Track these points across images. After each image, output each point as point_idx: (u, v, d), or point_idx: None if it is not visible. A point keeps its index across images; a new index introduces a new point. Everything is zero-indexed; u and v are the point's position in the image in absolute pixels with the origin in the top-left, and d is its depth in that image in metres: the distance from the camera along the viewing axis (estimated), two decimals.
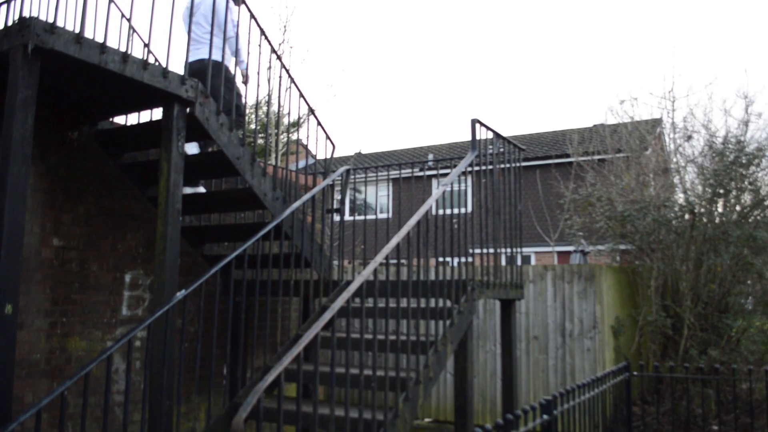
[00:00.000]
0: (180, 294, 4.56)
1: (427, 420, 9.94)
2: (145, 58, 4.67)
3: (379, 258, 4.17)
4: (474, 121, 5.74)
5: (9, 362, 3.86)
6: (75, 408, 5.36)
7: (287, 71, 6.14)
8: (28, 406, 3.87)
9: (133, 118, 5.90)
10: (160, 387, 4.60)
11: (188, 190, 5.80)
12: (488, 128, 5.91)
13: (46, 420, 5.10)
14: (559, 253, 18.80)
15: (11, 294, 3.87)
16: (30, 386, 5.14)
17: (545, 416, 4.34)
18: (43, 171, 5.35)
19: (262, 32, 5.75)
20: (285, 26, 19.30)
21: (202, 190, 6.16)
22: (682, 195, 10.59)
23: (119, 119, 5.90)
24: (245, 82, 6.44)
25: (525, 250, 6.79)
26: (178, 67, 5.74)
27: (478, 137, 5.75)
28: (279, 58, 6.08)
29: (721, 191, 9.34)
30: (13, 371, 3.90)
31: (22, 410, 3.66)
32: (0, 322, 3.81)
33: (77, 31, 4.21)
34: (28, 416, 3.61)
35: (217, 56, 5.71)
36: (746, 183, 9.59)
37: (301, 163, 18.16)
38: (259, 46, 5.75)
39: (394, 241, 4.35)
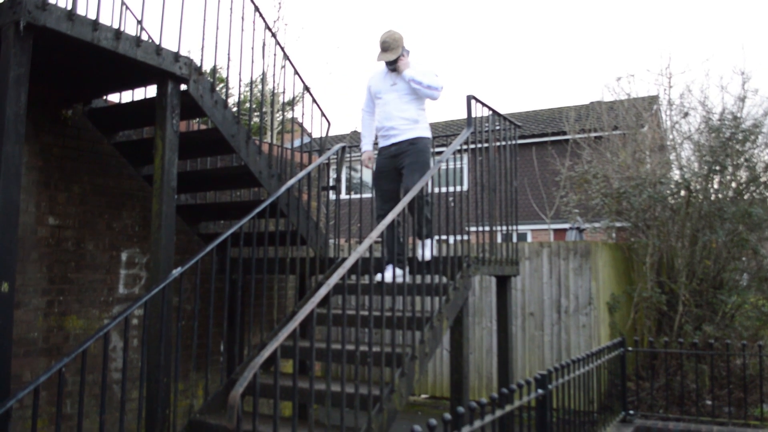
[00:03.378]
0: (176, 272, 4.57)
1: (423, 396, 10.03)
2: (138, 35, 4.64)
3: (374, 234, 4.18)
4: (469, 98, 5.72)
5: (7, 340, 3.87)
6: (73, 386, 5.39)
7: (282, 48, 6.11)
8: (26, 384, 3.89)
9: (127, 96, 5.87)
10: (158, 364, 4.63)
11: None
12: (484, 105, 5.89)
13: (44, 398, 5.14)
14: (555, 230, 18.83)
15: (7, 272, 3.87)
16: (28, 364, 5.17)
17: (540, 390, 4.39)
18: (37, 150, 5.33)
19: (257, 9, 5.70)
20: (280, 3, 19.16)
21: None
22: (678, 172, 10.60)
23: (113, 97, 5.87)
24: None
25: (521, 227, 6.78)
26: (171, 44, 5.70)
27: (473, 114, 5.73)
28: (274, 35, 6.04)
29: (717, 168, 9.36)
30: (11, 349, 3.92)
31: (21, 388, 3.68)
32: None
33: (69, 7, 4.17)
34: (26, 393, 3.62)
35: None
36: (742, 159, 9.61)
37: (297, 143, 18.10)
38: (254, 23, 5.71)
39: (389, 217, 4.36)
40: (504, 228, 6.33)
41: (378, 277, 5.41)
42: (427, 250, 5.42)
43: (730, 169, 9.55)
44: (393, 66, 5.72)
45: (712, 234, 9.05)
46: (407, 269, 5.07)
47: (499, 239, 6.19)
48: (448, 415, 3.01)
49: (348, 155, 7.34)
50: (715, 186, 9.71)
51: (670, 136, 11.41)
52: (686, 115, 10.98)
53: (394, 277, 4.55)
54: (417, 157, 5.62)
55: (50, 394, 5.20)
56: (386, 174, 5.79)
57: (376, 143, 6.12)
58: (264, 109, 6.30)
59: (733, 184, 9.74)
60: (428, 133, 5.80)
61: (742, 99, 10.14)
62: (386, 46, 5.66)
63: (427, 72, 5.63)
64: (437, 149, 7.02)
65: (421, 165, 5.61)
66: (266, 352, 3.27)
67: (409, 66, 5.67)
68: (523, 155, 18.87)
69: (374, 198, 5.91)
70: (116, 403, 5.70)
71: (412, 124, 5.68)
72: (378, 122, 5.87)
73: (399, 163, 5.68)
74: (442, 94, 5.67)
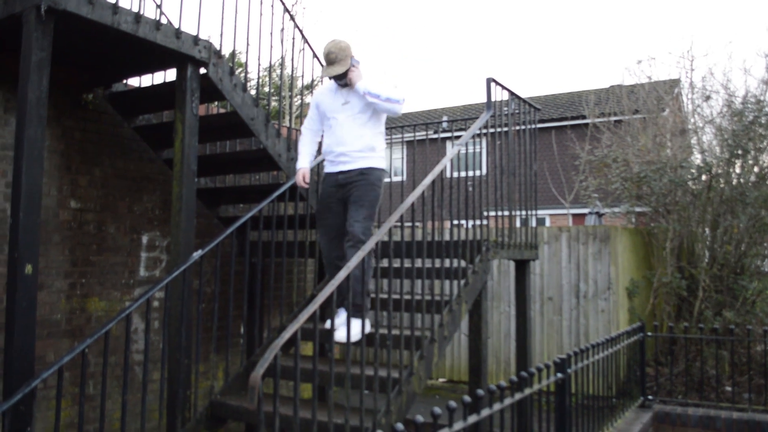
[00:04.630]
0: (196, 254, 4.60)
1: (441, 380, 10.06)
2: (157, 18, 4.65)
3: (394, 218, 4.18)
4: (489, 80, 5.67)
5: (31, 321, 3.93)
6: (96, 367, 5.46)
7: (301, 32, 6.09)
8: (50, 364, 3.95)
9: (146, 80, 5.89)
10: (179, 346, 4.67)
11: None
12: (504, 87, 5.84)
13: (68, 378, 5.21)
14: (574, 215, 18.73)
15: (31, 254, 3.92)
16: (51, 346, 5.24)
17: (559, 374, 4.38)
18: (59, 134, 5.37)
19: None
20: None
21: None
22: (699, 156, 10.48)
23: (133, 81, 5.89)
24: None
25: (540, 212, 6.79)
26: (191, 28, 5.71)
27: (493, 97, 5.69)
28: (292, 18, 6.02)
29: (740, 152, 9.23)
30: (35, 330, 3.98)
31: (45, 369, 3.74)
32: (21, 282, 3.87)
33: None
34: (50, 373, 3.68)
35: None
36: (765, 143, 9.47)
37: None
38: (272, 6, 5.70)
39: (409, 200, 4.35)
40: (523, 212, 6.30)
41: (327, 324, 4.61)
42: (354, 327, 4.39)
43: (752, 153, 9.42)
44: (343, 81, 4.88)
45: (733, 219, 8.95)
46: (366, 321, 4.60)
47: (518, 223, 6.16)
48: (467, 398, 3.02)
49: None
50: (737, 170, 9.59)
51: (692, 120, 11.27)
52: (708, 98, 10.84)
53: (413, 262, 4.53)
54: (366, 191, 4.80)
55: (73, 375, 5.27)
56: (331, 206, 4.96)
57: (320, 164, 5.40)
58: (282, 93, 6.29)
59: (756, 169, 9.61)
60: (383, 164, 4.98)
61: (766, 82, 9.99)
62: (332, 58, 4.81)
63: (383, 83, 4.83)
64: (456, 133, 6.99)
65: (369, 202, 4.80)
66: (287, 334, 3.29)
67: (362, 78, 4.85)
68: (543, 139, 18.74)
69: (317, 234, 5.17)
70: (138, 384, 5.77)
71: (367, 152, 4.87)
72: (326, 146, 5.02)
73: (345, 194, 4.87)
74: (403, 108, 4.87)
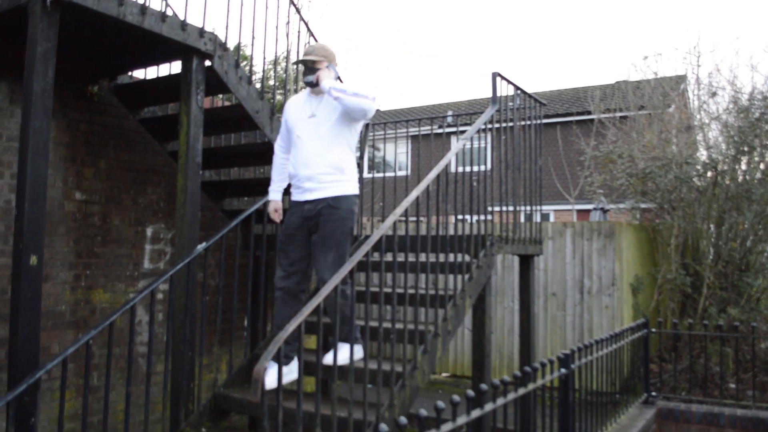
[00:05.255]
0: (201, 247, 4.60)
1: (444, 375, 10.07)
2: (163, 10, 4.64)
3: (399, 211, 4.17)
4: (494, 75, 5.65)
5: (36, 312, 3.94)
6: (100, 359, 5.47)
7: (306, 24, 6.07)
8: (54, 356, 3.97)
9: (152, 72, 5.89)
10: (183, 338, 4.68)
11: None
12: (509, 82, 5.82)
13: (72, 370, 5.23)
14: (579, 211, 18.70)
15: (36, 246, 3.93)
16: (56, 337, 5.26)
17: (563, 370, 4.37)
18: (64, 125, 5.38)
19: None
20: None
21: None
22: (705, 152, 10.44)
23: (138, 73, 5.89)
24: None
25: (544, 208, 6.79)
26: (196, 20, 5.70)
27: (498, 92, 5.67)
28: (298, 11, 6.01)
29: (746, 149, 9.19)
30: (39, 321, 3.99)
31: (49, 360, 3.75)
32: (26, 273, 3.87)
33: None
34: (54, 364, 3.69)
35: None
36: None
37: None
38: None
39: (414, 194, 4.34)
40: (527, 207, 6.29)
41: (328, 359, 4.12)
42: (341, 353, 4.05)
43: (758, 150, 9.38)
44: (311, 77, 4.35)
45: (739, 216, 8.92)
46: (357, 347, 4.21)
47: (522, 219, 6.15)
48: (471, 392, 3.01)
49: (371, 133, 7.31)
50: (743, 167, 9.55)
51: (698, 116, 11.23)
52: (714, 94, 10.79)
53: (417, 256, 4.51)
54: (335, 227, 4.24)
55: (77, 367, 5.29)
56: (295, 237, 4.41)
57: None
58: (288, 87, 6.29)
59: (762, 166, 9.57)
60: (355, 188, 4.39)
61: None
62: (309, 50, 4.43)
63: (355, 84, 4.29)
64: (461, 128, 6.96)
65: (338, 241, 4.25)
66: (290, 327, 3.29)
67: (330, 77, 4.36)
68: (548, 135, 18.70)
69: (276, 266, 4.60)
70: (142, 376, 5.78)
71: (336, 173, 4.29)
72: (291, 168, 4.44)
73: (312, 228, 4.35)
74: (374, 107, 4.27)
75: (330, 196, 4.26)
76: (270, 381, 3.91)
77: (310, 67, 4.36)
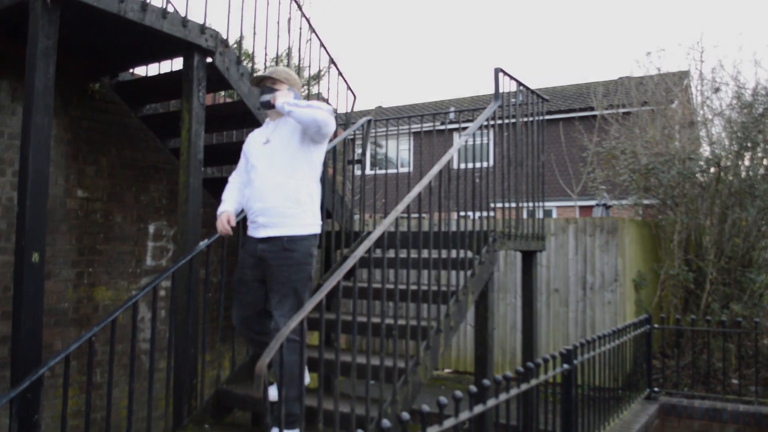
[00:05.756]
0: (203, 243, 4.60)
1: (446, 371, 10.07)
2: (164, 7, 4.63)
3: (401, 207, 4.17)
4: (497, 71, 5.64)
5: (38, 309, 3.94)
6: (103, 355, 5.48)
7: (308, 20, 6.06)
8: (57, 353, 3.97)
9: (153, 69, 5.89)
10: (185, 335, 4.68)
11: None
12: (512, 78, 5.81)
13: (74, 367, 5.23)
14: (582, 207, 18.67)
15: (38, 243, 3.93)
16: (59, 334, 5.26)
17: (566, 365, 4.37)
18: (66, 123, 5.38)
19: None
20: None
21: None
22: (708, 148, 10.41)
23: (140, 70, 5.89)
24: None
25: (547, 204, 6.76)
26: (197, 17, 5.70)
27: (501, 88, 5.66)
28: (299, 7, 6.00)
29: (749, 144, 9.17)
30: (42, 318, 3.99)
31: (52, 357, 3.75)
32: (28, 271, 3.88)
33: None
34: (57, 361, 3.69)
35: None
36: None
37: None
38: None
39: (416, 190, 4.33)
40: (530, 204, 6.28)
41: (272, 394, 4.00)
42: None
43: (762, 145, 9.35)
44: (267, 97, 4.05)
45: (742, 212, 8.90)
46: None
47: (525, 215, 6.15)
48: (473, 388, 3.01)
49: (373, 130, 7.30)
50: (746, 163, 9.52)
51: (701, 112, 11.19)
52: (717, 90, 10.75)
53: (419, 252, 4.49)
54: (290, 273, 3.85)
55: (80, 364, 5.29)
56: (249, 278, 4.05)
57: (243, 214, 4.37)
58: None
59: (765, 161, 9.54)
60: (315, 225, 3.98)
61: None
62: (270, 72, 4.11)
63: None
64: (464, 124, 6.95)
65: (295, 289, 3.86)
66: (292, 323, 3.29)
67: (288, 97, 3.98)
68: (550, 131, 18.68)
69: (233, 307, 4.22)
70: (145, 372, 5.79)
71: (293, 208, 3.89)
72: (246, 200, 4.09)
73: (265, 271, 3.94)
74: (332, 121, 3.87)
75: (285, 235, 3.86)
76: (274, 394, 3.97)
77: (269, 87, 4.06)
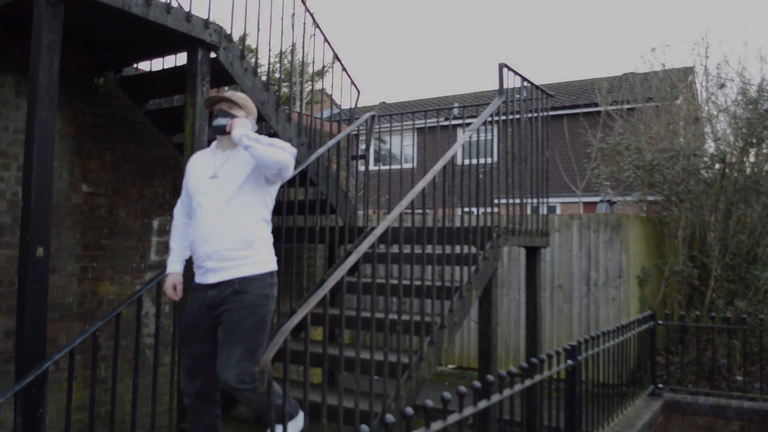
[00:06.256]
0: None
1: (450, 366, 10.07)
2: (168, 1, 4.63)
3: (405, 202, 4.16)
4: (501, 66, 5.63)
5: (43, 304, 3.95)
6: (107, 350, 5.49)
7: (312, 15, 6.05)
8: (62, 347, 3.98)
9: (157, 64, 5.88)
10: None
11: None
12: (516, 73, 5.80)
13: (79, 361, 5.24)
14: (586, 203, 18.64)
15: (42, 237, 3.93)
16: (63, 329, 5.27)
17: (569, 361, 4.37)
18: (70, 117, 5.38)
19: None
20: None
21: None
22: (713, 144, 10.38)
23: (144, 65, 5.89)
24: None
25: (551, 200, 6.75)
26: (201, 11, 5.68)
27: (505, 83, 5.65)
28: (303, 2, 5.99)
29: (754, 140, 9.14)
30: (46, 313, 3.99)
31: (57, 351, 3.76)
32: (32, 265, 3.88)
33: None
34: (61, 355, 3.71)
35: None
36: None
37: (326, 114, 18.10)
38: None
39: (420, 185, 4.33)
40: (534, 200, 6.27)
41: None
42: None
43: (767, 141, 9.33)
44: (223, 122, 3.61)
45: (747, 208, 8.88)
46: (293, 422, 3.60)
47: (529, 211, 6.14)
48: (477, 383, 3.01)
49: (377, 125, 7.30)
50: (752, 159, 9.50)
51: (705, 108, 11.16)
52: (723, 86, 10.72)
53: (423, 248, 4.48)
54: (242, 318, 3.40)
55: (85, 358, 5.30)
56: (198, 330, 3.56)
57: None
58: (293, 79, 6.27)
59: None
60: (270, 264, 3.57)
61: None
62: (228, 95, 3.70)
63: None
64: (468, 120, 6.93)
65: (246, 335, 3.39)
66: (296, 318, 3.29)
67: (246, 126, 3.55)
68: (555, 127, 18.63)
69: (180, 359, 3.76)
70: (149, 367, 5.80)
71: (243, 250, 3.46)
72: (191, 242, 3.63)
73: (216, 319, 3.49)
74: (292, 163, 3.48)
75: (236, 277, 3.42)
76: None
77: (226, 111, 3.62)
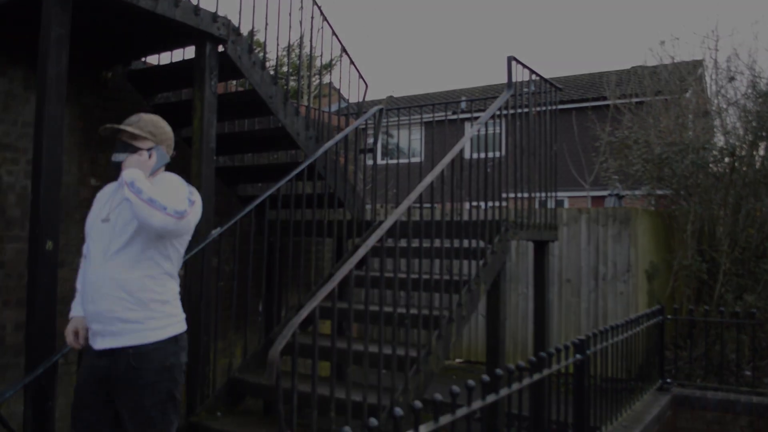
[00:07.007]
0: (215, 232, 4.61)
1: (458, 360, 10.08)
2: None
3: (413, 196, 4.16)
4: (510, 59, 5.60)
5: (52, 297, 3.97)
6: None
7: (319, 8, 6.04)
8: None
9: (165, 58, 5.88)
10: (198, 323, 4.70)
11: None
12: (525, 66, 5.77)
13: None
14: (594, 197, 18.57)
15: (51, 231, 3.94)
16: None
17: (578, 355, 4.36)
18: (79, 111, 5.38)
19: None
20: None
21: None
22: (722, 138, 10.32)
23: (152, 59, 5.88)
24: None
25: (559, 194, 6.71)
26: (209, 5, 5.68)
27: (514, 77, 5.62)
28: None
29: (764, 134, 9.08)
30: (56, 306, 4.01)
31: (66, 344, 3.77)
32: (41, 259, 3.90)
33: None
34: (70, 348, 3.71)
35: None
36: None
37: (334, 107, 18.08)
38: None
39: (428, 179, 4.32)
40: (542, 194, 6.25)
41: None
42: None
43: None
44: (120, 156, 2.99)
45: (756, 202, 8.83)
46: None
47: (537, 205, 6.12)
48: (486, 377, 3.01)
49: (385, 119, 7.29)
50: (761, 153, 9.43)
51: (715, 101, 11.09)
52: (732, 79, 10.65)
53: (432, 241, 4.49)
54: (142, 398, 2.75)
55: None
56: (89, 403, 2.87)
57: None
58: (301, 73, 6.26)
59: None
60: (175, 326, 2.87)
61: None
62: (134, 120, 3.09)
63: (168, 190, 2.82)
64: (475, 114, 6.91)
65: (148, 419, 2.76)
66: (305, 312, 3.29)
67: (147, 171, 2.89)
68: (563, 120, 18.46)
69: None
70: None
71: (135, 310, 2.76)
72: (80, 296, 3.03)
73: (112, 391, 2.80)
74: (172, 225, 2.68)
75: (129, 346, 2.74)
76: None
77: (126, 142, 2.99)
